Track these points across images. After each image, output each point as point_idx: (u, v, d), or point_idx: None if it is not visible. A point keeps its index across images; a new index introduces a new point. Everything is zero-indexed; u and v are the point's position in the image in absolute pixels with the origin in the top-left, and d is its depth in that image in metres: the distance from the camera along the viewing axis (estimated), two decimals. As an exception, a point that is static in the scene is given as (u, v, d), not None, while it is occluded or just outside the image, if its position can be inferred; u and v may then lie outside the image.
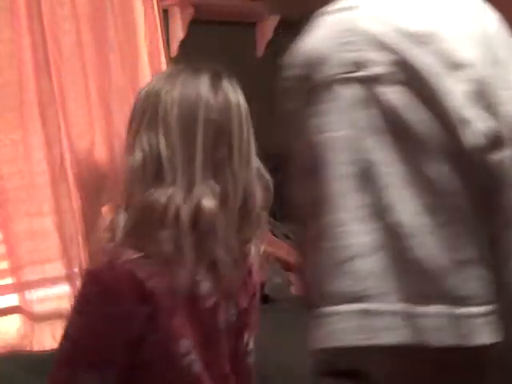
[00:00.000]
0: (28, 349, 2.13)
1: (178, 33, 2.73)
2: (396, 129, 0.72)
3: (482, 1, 0.89)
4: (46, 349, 2.16)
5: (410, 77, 0.73)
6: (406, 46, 0.74)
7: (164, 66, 2.50)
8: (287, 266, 2.37)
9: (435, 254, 0.71)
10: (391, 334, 0.70)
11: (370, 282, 0.70)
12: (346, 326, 0.70)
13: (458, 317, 0.71)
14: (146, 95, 1.14)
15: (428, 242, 0.71)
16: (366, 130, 0.72)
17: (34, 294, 2.13)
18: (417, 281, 0.71)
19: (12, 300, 2.13)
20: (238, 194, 1.13)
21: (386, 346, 0.70)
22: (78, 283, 2.21)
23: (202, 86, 1.13)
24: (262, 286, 2.15)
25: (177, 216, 1.07)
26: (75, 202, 2.22)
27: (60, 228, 2.17)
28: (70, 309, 2.16)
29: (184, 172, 1.09)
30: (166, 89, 1.12)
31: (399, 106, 0.72)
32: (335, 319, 0.71)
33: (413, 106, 0.73)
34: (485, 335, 0.71)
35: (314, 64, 0.75)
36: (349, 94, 0.73)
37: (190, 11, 2.69)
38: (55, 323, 2.16)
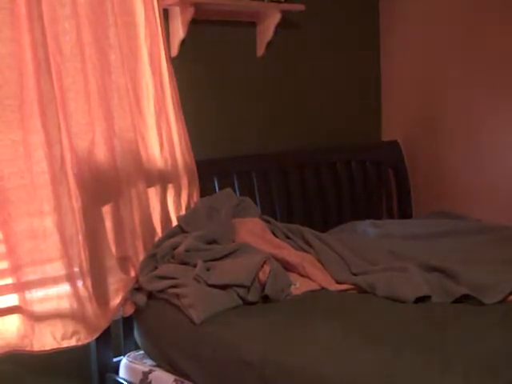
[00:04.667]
0: (28, 349, 2.13)
1: (178, 33, 2.74)
2: None
3: None
4: (46, 349, 2.16)
5: None
6: None
7: (164, 66, 2.50)
8: (287, 266, 2.37)
9: None
10: None
11: None
12: None
13: None
14: None
15: None
16: None
17: (34, 294, 2.12)
18: None
19: (12, 300, 2.13)
20: None
21: None
22: (78, 283, 2.21)
23: None
24: (263, 286, 2.15)
25: None
26: (75, 202, 2.22)
27: (60, 228, 2.16)
28: (70, 309, 2.17)
29: None
30: None
31: None
32: None
33: None
34: None
35: None
36: None
37: (190, 11, 2.69)
38: (55, 323, 2.17)
